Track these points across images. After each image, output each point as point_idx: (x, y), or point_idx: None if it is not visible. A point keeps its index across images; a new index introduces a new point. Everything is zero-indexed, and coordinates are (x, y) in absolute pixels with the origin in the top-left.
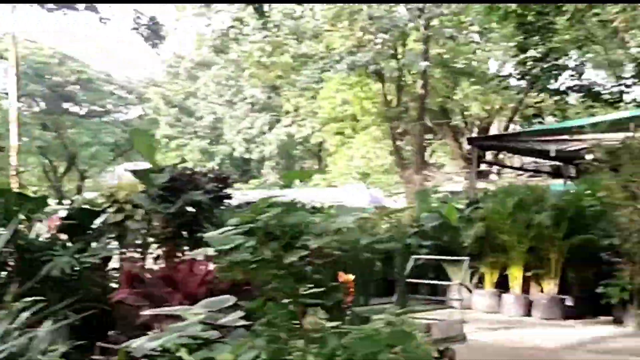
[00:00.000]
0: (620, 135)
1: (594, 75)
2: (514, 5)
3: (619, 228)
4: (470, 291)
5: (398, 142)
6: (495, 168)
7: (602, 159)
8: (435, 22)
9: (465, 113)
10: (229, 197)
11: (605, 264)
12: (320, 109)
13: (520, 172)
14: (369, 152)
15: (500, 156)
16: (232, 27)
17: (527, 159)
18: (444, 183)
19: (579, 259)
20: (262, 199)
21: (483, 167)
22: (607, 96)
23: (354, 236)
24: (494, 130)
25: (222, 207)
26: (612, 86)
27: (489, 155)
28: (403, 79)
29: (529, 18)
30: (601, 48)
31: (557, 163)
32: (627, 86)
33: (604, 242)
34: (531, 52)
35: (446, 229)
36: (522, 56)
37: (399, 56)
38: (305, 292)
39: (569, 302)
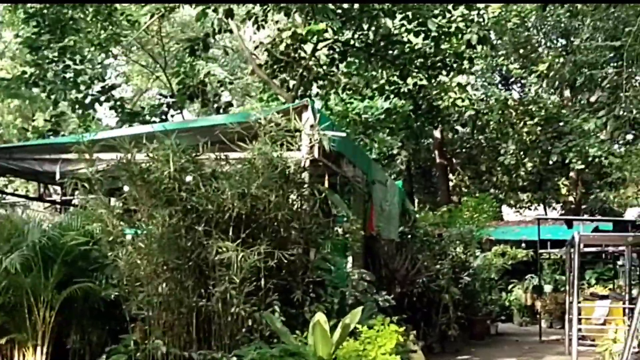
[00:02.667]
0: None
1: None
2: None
3: (118, 273)
4: None
5: None
6: None
7: (96, 181)
8: None
9: None
10: None
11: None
12: None
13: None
14: None
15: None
16: None
17: None
18: None
19: (86, 316)
20: None
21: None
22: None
23: None
24: None
25: None
26: (160, 104)
27: None
28: None
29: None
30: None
31: None
32: (169, 105)
33: (113, 292)
34: (46, 52)
35: None
36: (34, 56)
37: None
38: None
39: None
